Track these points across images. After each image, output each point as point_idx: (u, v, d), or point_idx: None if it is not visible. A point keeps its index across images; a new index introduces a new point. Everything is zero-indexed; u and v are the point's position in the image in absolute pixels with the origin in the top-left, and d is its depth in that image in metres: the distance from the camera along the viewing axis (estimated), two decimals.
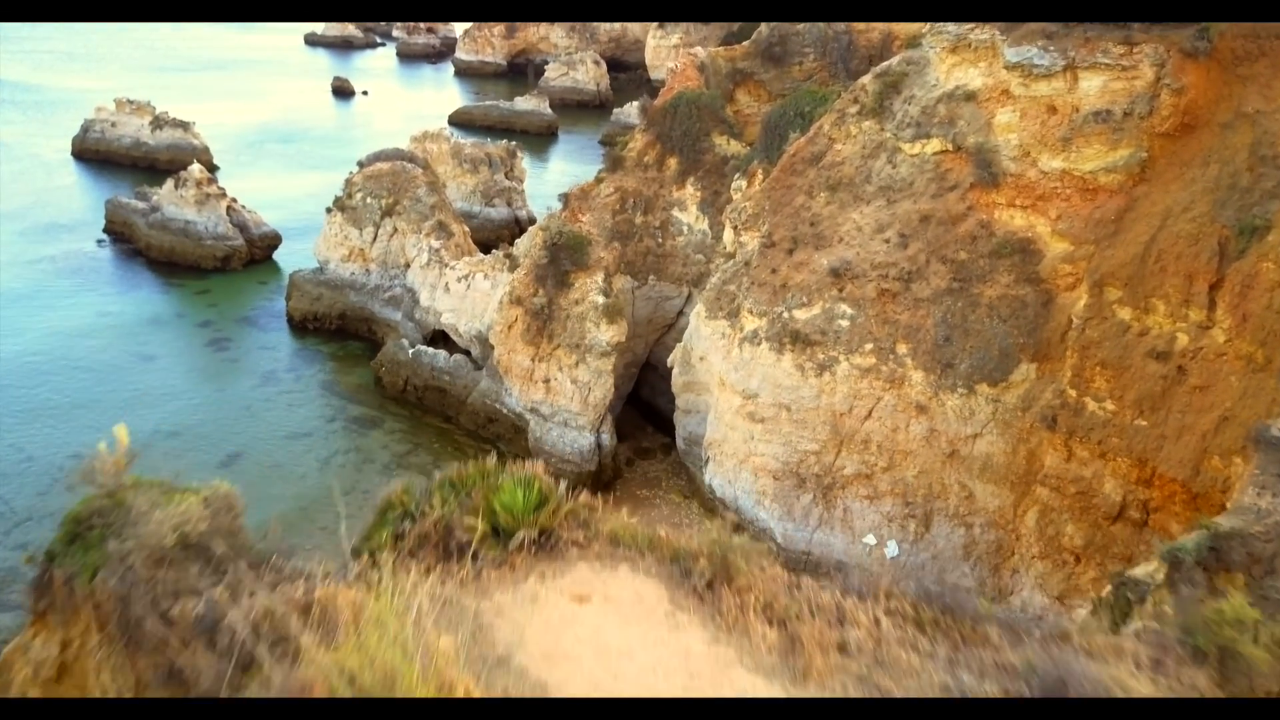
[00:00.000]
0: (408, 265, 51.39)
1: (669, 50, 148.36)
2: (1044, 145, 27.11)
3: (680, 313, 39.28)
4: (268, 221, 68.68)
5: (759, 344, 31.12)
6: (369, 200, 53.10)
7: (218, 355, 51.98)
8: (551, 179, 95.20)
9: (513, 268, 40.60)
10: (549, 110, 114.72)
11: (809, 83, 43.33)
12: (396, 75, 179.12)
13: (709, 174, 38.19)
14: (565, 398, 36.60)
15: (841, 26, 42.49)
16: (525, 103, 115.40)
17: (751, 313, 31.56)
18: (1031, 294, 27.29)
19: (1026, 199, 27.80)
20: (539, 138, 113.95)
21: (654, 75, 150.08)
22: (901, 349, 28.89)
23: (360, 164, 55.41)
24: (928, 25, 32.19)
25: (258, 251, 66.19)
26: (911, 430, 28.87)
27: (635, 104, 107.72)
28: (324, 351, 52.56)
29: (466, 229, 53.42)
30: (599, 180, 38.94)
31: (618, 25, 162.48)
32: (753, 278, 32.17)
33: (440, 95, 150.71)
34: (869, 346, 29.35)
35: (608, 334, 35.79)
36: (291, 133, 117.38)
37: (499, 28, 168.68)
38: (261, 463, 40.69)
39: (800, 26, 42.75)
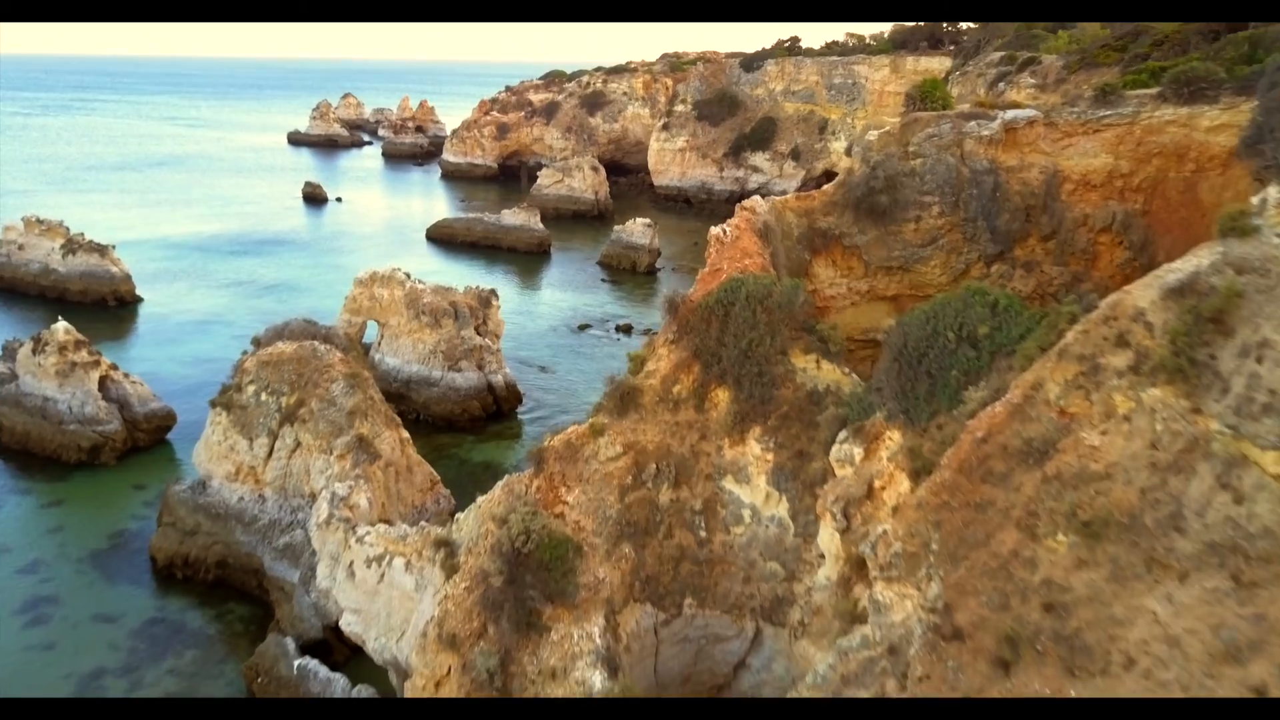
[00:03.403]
0: (313, 497, 34.77)
1: (674, 154, 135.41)
2: None
3: (742, 664, 22.41)
4: (160, 395, 52.23)
5: None
6: (264, 397, 36.74)
7: (28, 633, 34.70)
8: (542, 311, 79.69)
9: (449, 565, 23.85)
10: (540, 225, 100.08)
11: (933, 249, 27.42)
12: (379, 177, 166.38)
13: (788, 421, 21.92)
14: None
15: (984, 162, 26.74)
16: (513, 216, 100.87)
17: None
18: None
19: None
20: (528, 256, 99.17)
21: (657, 181, 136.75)
22: None
23: (255, 342, 39.24)
24: (1269, 186, 16.20)
25: (142, 436, 49.63)
26: None
27: (640, 221, 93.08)
28: (190, 625, 35.29)
29: (405, 437, 36.83)
30: (595, 429, 22.49)
31: (617, 125, 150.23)
32: (919, 695, 15.45)
33: (422, 203, 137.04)
34: None
35: None
36: (246, 247, 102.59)
37: (489, 128, 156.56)
38: None
39: (916, 160, 27.04)
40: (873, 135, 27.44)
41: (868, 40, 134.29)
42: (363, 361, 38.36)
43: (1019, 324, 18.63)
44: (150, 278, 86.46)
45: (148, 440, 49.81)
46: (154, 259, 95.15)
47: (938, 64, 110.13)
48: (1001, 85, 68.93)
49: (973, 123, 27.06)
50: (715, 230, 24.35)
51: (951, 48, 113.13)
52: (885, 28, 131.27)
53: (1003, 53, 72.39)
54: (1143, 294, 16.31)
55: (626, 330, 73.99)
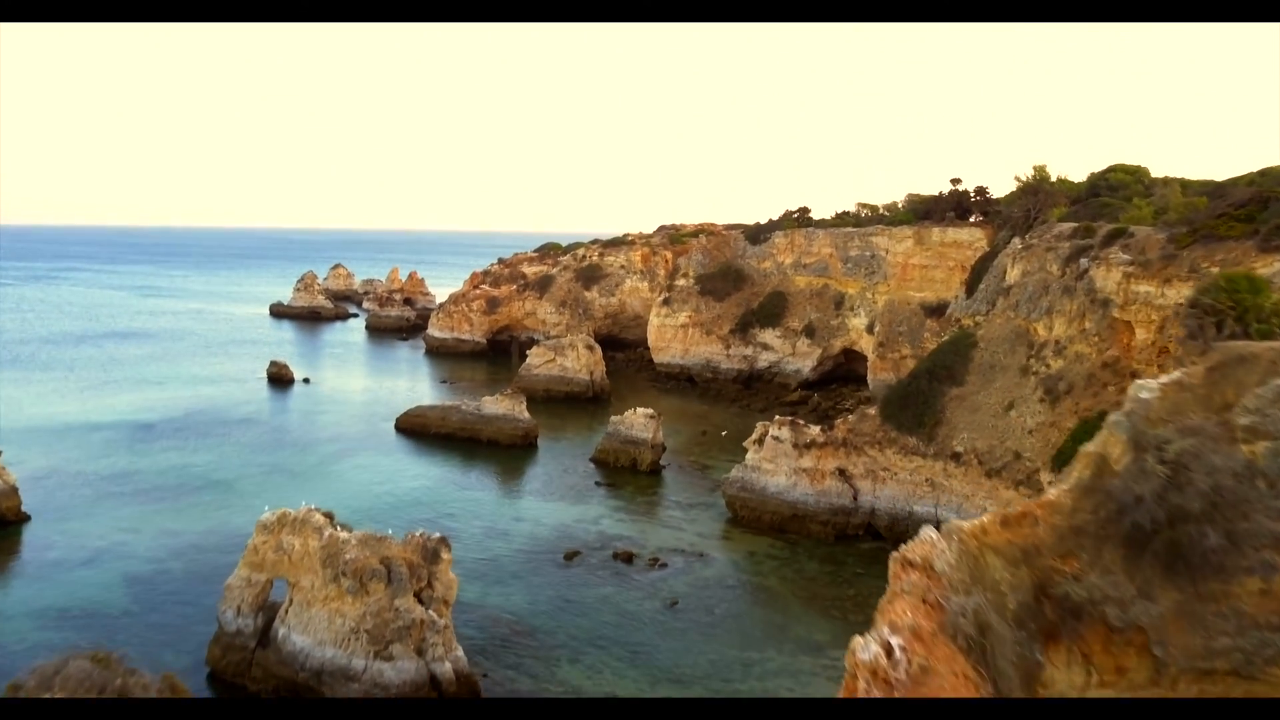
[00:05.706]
0: None
1: (675, 330, 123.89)
2: None
3: None
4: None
5: None
6: None
7: None
8: (520, 530, 64.28)
9: None
10: (525, 415, 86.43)
11: None
12: (360, 353, 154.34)
13: None
14: None
15: None
16: (495, 405, 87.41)
17: None
18: None
19: None
20: (511, 450, 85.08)
21: (658, 358, 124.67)
22: None
23: (14, 689, 23.93)
24: None
25: None
26: None
27: (641, 412, 79.38)
28: None
29: None
30: None
31: (614, 299, 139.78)
32: None
33: (401, 383, 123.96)
34: None
35: None
36: (187, 439, 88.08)
37: (478, 302, 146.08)
38: None
39: (1257, 445, 12.83)
40: (1149, 390, 13.44)
41: (881, 210, 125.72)
42: None
43: None
44: (52, 484, 71.81)
45: None
46: (71, 454, 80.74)
47: (967, 234, 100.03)
48: (1084, 262, 56.78)
49: None
50: (867, 651, 9.79)
51: (980, 217, 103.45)
52: (899, 197, 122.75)
53: (1075, 224, 60.87)
54: None
55: (627, 559, 58.66)
